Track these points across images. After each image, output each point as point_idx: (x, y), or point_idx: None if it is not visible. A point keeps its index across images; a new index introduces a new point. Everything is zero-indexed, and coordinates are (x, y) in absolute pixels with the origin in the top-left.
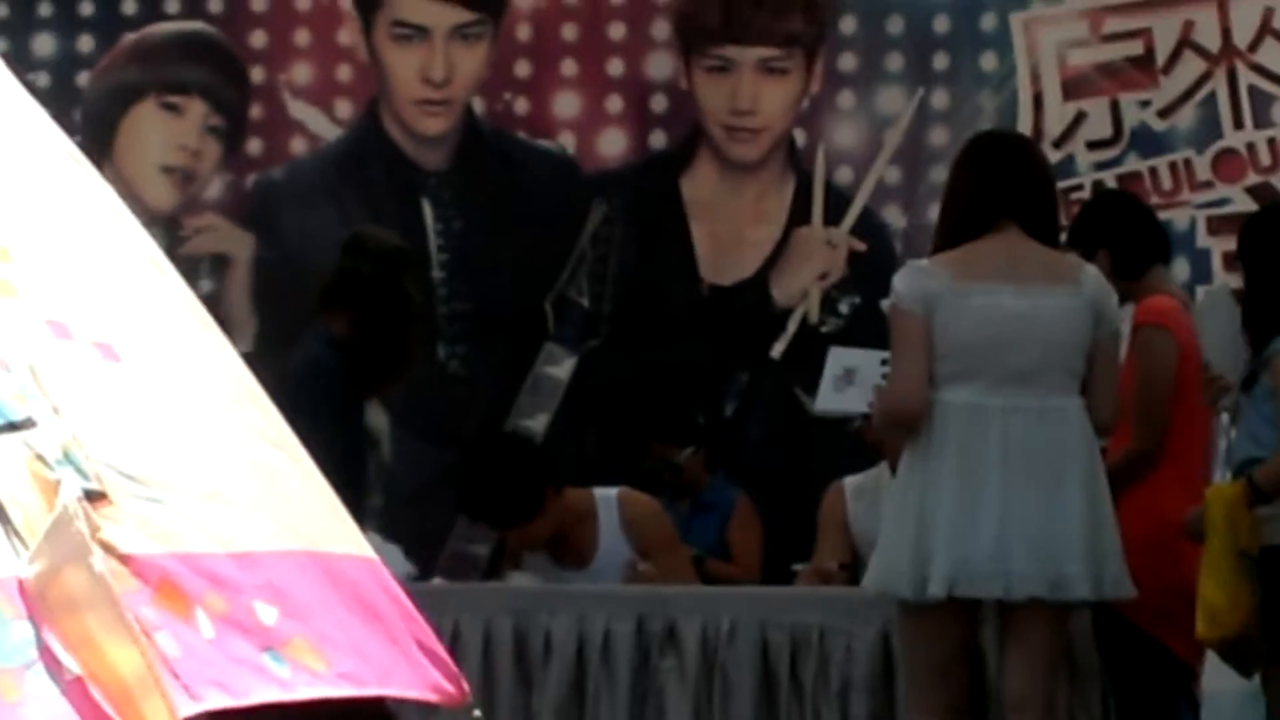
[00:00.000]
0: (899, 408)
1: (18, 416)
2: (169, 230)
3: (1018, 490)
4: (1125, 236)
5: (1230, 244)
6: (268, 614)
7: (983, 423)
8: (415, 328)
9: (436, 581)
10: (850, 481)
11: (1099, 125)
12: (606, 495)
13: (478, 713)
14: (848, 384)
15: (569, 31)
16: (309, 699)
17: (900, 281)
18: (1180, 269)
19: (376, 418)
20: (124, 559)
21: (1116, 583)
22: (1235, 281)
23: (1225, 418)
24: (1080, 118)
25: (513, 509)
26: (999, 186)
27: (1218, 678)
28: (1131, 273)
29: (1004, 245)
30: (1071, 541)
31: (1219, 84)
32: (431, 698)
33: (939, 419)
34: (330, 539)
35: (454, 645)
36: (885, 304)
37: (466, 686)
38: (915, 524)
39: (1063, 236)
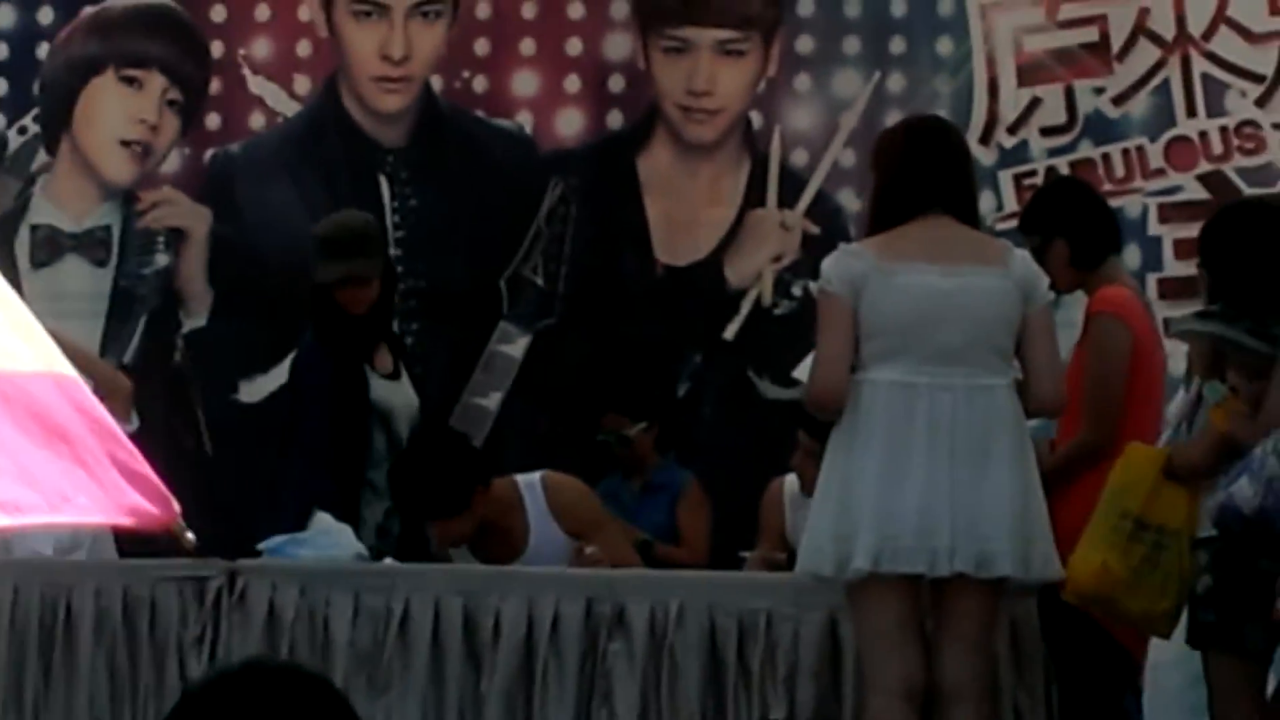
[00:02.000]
0: (821, 392)
1: None
2: (126, 204)
3: (943, 467)
4: (1082, 226)
5: (1182, 231)
6: None
7: (909, 401)
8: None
9: (387, 561)
10: (792, 478)
11: (1053, 111)
12: (530, 480)
13: (190, 535)
14: None
15: (528, 10)
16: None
17: (828, 264)
18: (1132, 256)
19: (396, 393)
20: None
21: (1045, 563)
22: (1186, 269)
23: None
24: (1035, 104)
25: (438, 503)
26: (928, 174)
27: (1158, 667)
28: (1089, 263)
29: (932, 228)
30: (998, 519)
31: (1173, 72)
32: (126, 521)
33: (866, 398)
34: (12, 358)
35: (403, 625)
36: (814, 286)
37: (177, 507)
38: (838, 502)
39: (1015, 223)
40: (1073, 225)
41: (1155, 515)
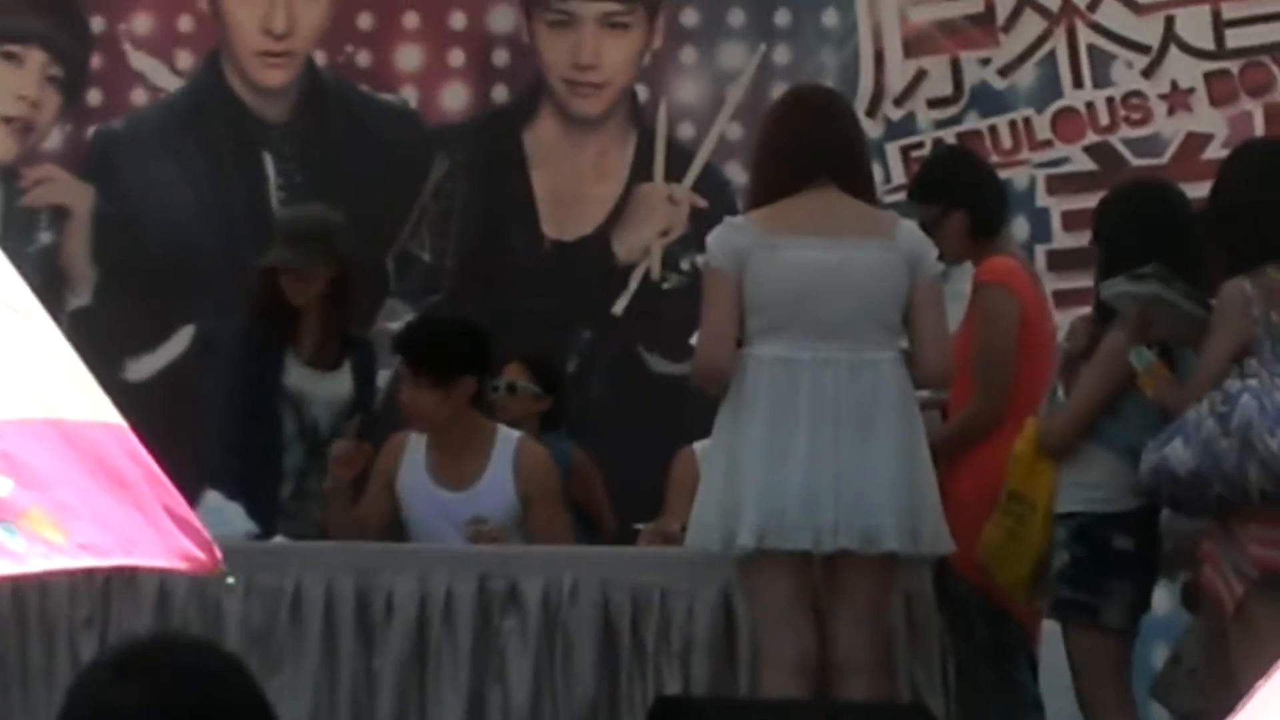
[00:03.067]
0: (705, 366)
1: None
2: (7, 181)
3: (827, 442)
4: (981, 196)
5: (1070, 204)
6: (1, 485)
7: (792, 376)
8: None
9: (278, 539)
10: (701, 446)
11: (940, 83)
12: (509, 434)
13: (231, 579)
14: None
15: None
16: (40, 571)
17: (712, 239)
18: (1020, 228)
19: (319, 383)
20: None
21: (934, 538)
22: (1074, 241)
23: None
24: (921, 75)
25: (429, 357)
26: (811, 143)
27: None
28: (987, 232)
29: (818, 201)
30: (882, 494)
31: (1059, 43)
32: (181, 566)
33: (750, 373)
34: (74, 407)
35: (295, 604)
36: (700, 260)
37: (219, 554)
38: (724, 478)
39: (903, 195)
40: (972, 195)
41: (1025, 488)
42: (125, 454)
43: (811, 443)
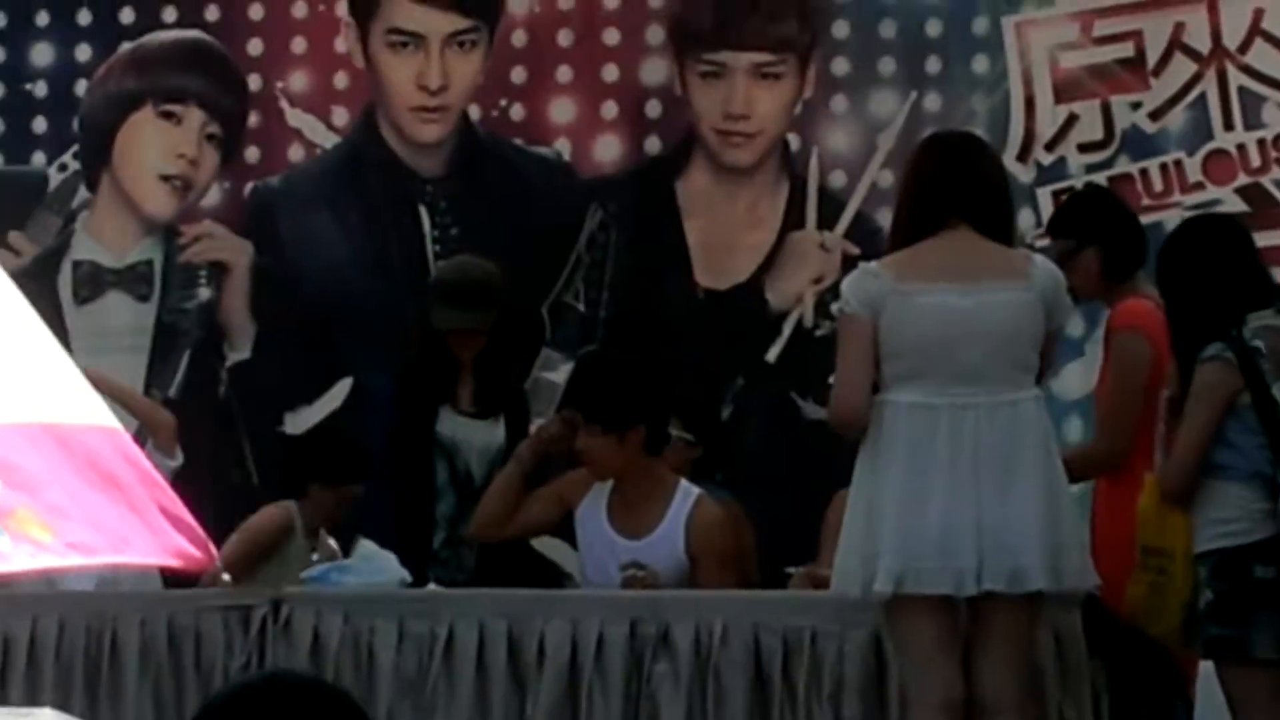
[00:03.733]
0: (842, 412)
1: None
2: (168, 239)
3: (967, 486)
4: (1117, 236)
5: None
6: None
7: (931, 421)
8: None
9: (431, 587)
10: None
11: (1090, 127)
12: (689, 489)
13: (226, 576)
14: None
15: (564, 37)
16: (27, 569)
17: (847, 285)
18: None
19: (472, 431)
20: None
21: (1079, 574)
22: None
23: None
24: (1072, 120)
25: (600, 405)
26: (947, 186)
27: (1211, 678)
28: (1119, 274)
29: (951, 244)
30: (1026, 533)
31: (1209, 85)
32: (174, 563)
33: (888, 420)
34: (68, 411)
35: (448, 649)
36: (835, 308)
37: (215, 551)
38: (864, 523)
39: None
40: (1107, 234)
41: (1159, 540)
42: (120, 456)
43: (950, 486)
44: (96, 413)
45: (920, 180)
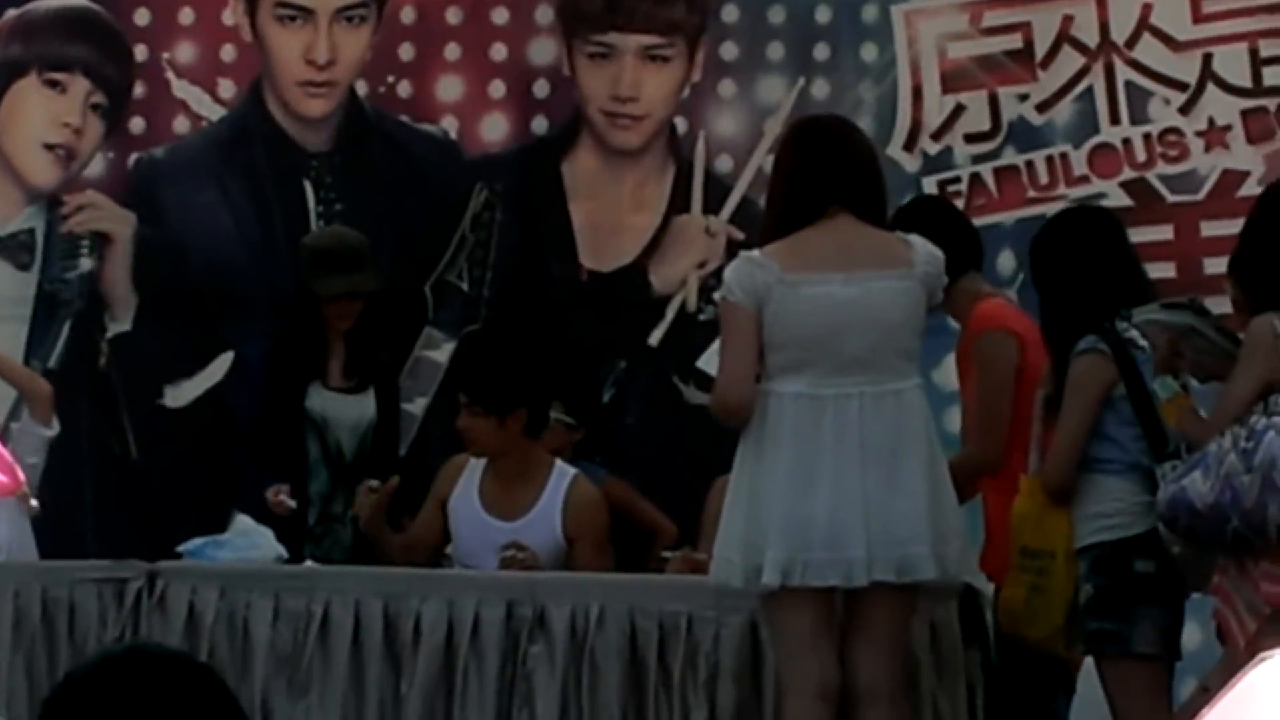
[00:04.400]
0: (725, 401)
1: None
2: (50, 208)
3: (853, 475)
4: (944, 243)
5: None
6: None
7: (816, 411)
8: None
9: (307, 564)
10: None
11: (977, 118)
12: (565, 469)
13: (34, 502)
14: None
15: (452, 15)
16: None
17: (730, 274)
18: None
19: (343, 405)
20: None
21: (960, 562)
22: None
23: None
24: (959, 110)
25: (485, 388)
26: (825, 172)
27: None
28: (953, 274)
29: (834, 232)
30: (914, 523)
31: (1096, 79)
32: None
33: (773, 410)
34: None
35: (324, 627)
36: (718, 295)
37: (21, 476)
38: (746, 515)
39: None
40: (938, 238)
41: (1038, 542)
42: None
43: (837, 476)
44: None
45: (797, 167)
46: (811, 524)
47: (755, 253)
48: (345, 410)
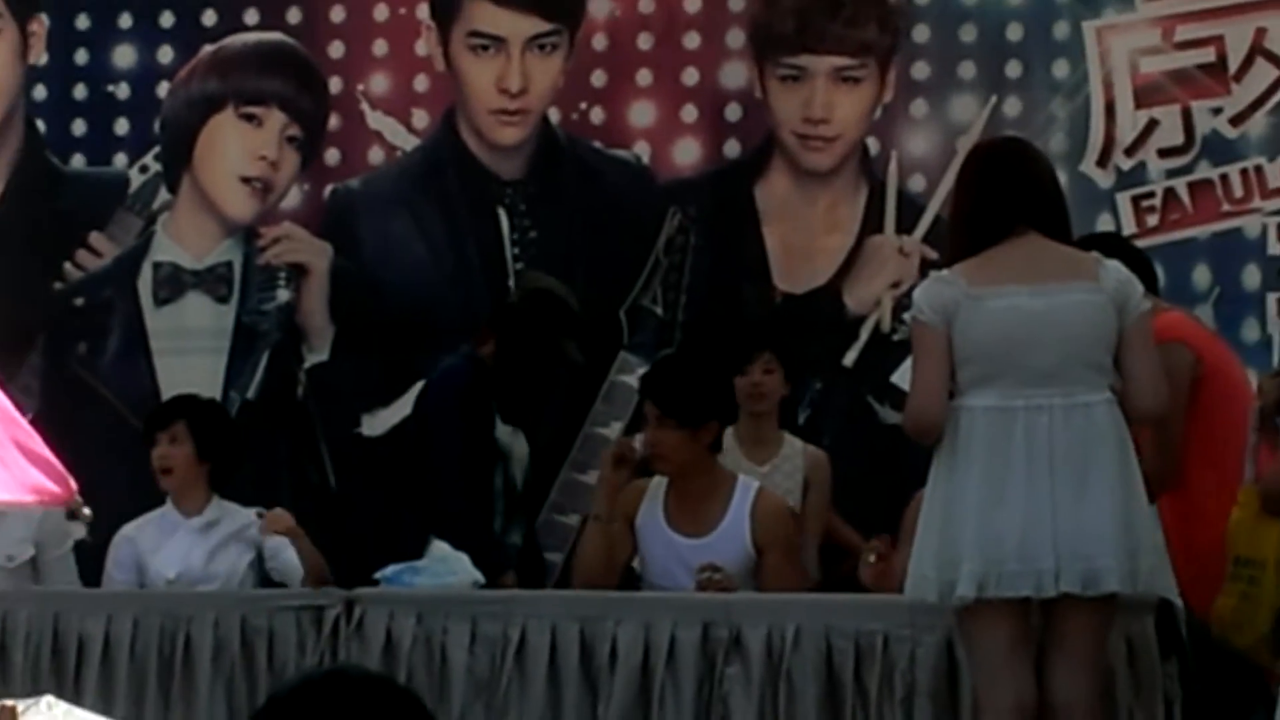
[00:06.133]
0: (917, 420)
1: None
2: (247, 240)
3: (1044, 488)
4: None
5: None
6: None
7: (1007, 424)
8: (551, 368)
9: (508, 591)
10: None
11: (1170, 133)
12: (748, 482)
13: (87, 510)
14: None
15: (644, 41)
16: None
17: (919, 294)
18: (1251, 277)
19: (515, 441)
20: None
21: (1152, 576)
22: None
23: None
24: (1152, 125)
25: (680, 401)
26: (1008, 192)
27: None
28: None
29: (1020, 249)
30: (1102, 536)
31: None
32: (30, 499)
33: (964, 425)
34: None
35: (520, 651)
36: (907, 316)
37: (74, 485)
38: (940, 530)
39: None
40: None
41: (1250, 551)
42: None
43: (1028, 489)
44: None
45: (979, 189)
46: (1005, 536)
47: (944, 271)
48: (516, 443)
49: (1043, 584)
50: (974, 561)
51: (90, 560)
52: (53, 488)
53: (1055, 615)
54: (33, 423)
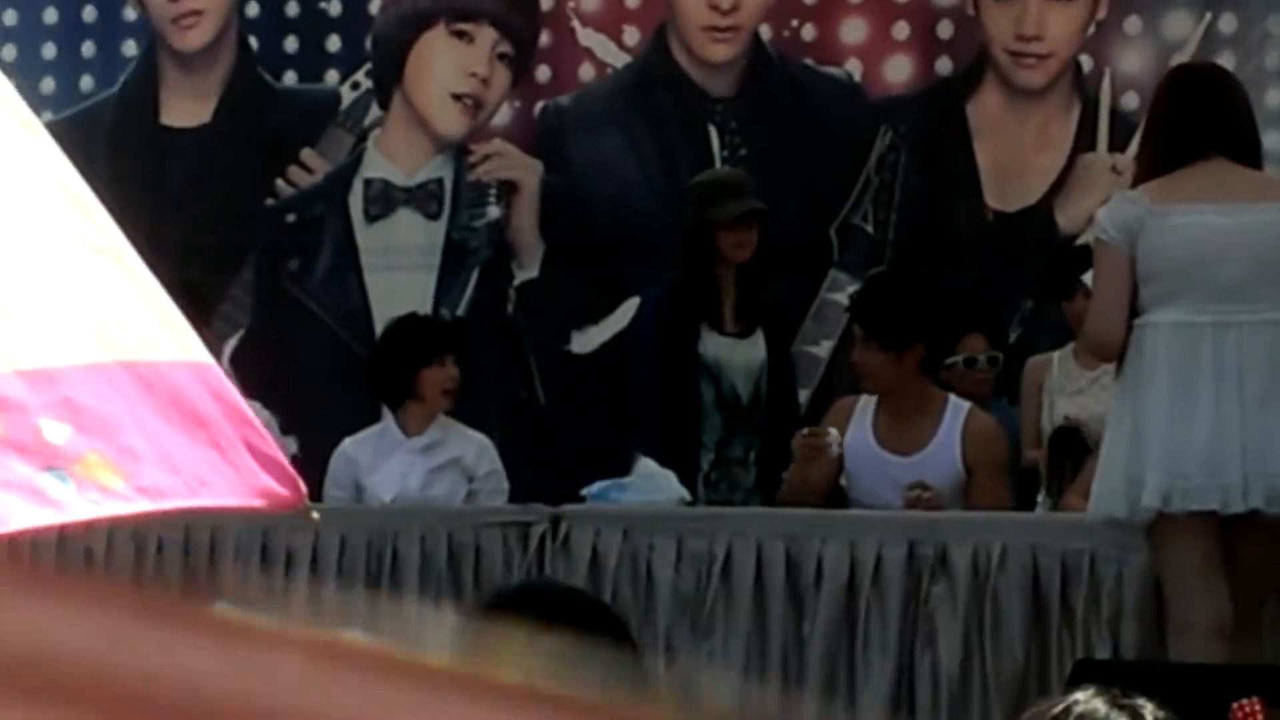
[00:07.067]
0: (1095, 337)
1: None
2: (458, 157)
3: (1231, 404)
4: None
5: None
6: (57, 432)
7: (1193, 340)
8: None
9: (709, 507)
10: None
11: None
12: (960, 403)
13: (315, 514)
14: None
15: None
16: (88, 519)
17: (1103, 213)
18: None
19: (735, 351)
20: None
21: None
22: None
23: None
24: None
25: (884, 324)
26: (1201, 117)
27: None
28: None
29: (1208, 171)
30: None
31: None
32: (258, 503)
33: (1148, 341)
34: (154, 347)
35: (726, 569)
36: (1091, 236)
37: (304, 489)
38: (1128, 444)
39: None
40: None
41: None
42: (207, 392)
43: (1215, 405)
44: (186, 348)
45: (1172, 113)
46: (1190, 450)
47: (1129, 191)
48: (737, 354)
49: (1229, 499)
50: (1159, 475)
51: (304, 475)
52: (281, 491)
53: (1234, 534)
54: (244, 338)
